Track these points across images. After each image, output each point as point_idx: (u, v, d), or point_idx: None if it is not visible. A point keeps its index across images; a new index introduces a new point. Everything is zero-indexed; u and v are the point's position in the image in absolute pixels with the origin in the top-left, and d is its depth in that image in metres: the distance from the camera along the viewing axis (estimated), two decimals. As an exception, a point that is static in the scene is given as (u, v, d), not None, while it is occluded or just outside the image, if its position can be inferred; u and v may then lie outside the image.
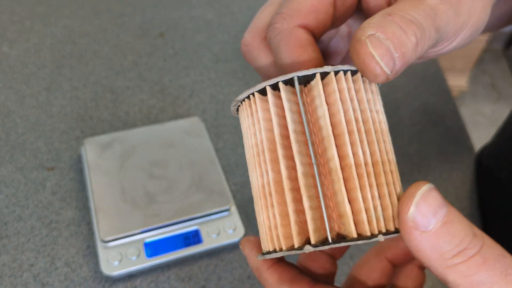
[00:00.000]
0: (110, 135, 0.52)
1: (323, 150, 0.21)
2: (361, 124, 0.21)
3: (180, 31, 0.70)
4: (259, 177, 0.22)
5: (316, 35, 0.25)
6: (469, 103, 1.92)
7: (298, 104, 0.21)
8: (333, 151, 0.20)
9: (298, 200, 0.21)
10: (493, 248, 0.19)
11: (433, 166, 0.56)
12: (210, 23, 0.72)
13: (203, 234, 0.46)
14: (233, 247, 0.46)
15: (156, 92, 0.61)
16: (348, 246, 0.26)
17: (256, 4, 0.75)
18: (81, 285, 0.43)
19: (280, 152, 0.21)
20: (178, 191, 0.47)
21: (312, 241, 0.20)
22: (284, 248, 0.21)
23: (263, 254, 0.23)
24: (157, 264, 0.44)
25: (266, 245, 0.22)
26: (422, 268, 0.29)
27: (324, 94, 0.21)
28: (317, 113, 0.21)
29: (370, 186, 0.20)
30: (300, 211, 0.21)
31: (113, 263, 0.43)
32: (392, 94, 0.64)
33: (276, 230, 0.21)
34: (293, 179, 0.21)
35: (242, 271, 0.45)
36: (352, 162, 0.20)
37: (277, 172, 0.21)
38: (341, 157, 0.20)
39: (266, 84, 0.22)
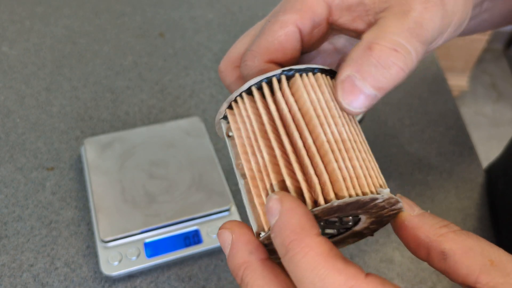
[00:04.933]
0: (110, 135, 0.52)
1: (313, 128, 0.23)
2: (326, 111, 0.23)
3: (180, 31, 0.70)
4: (253, 164, 0.24)
5: (287, 64, 0.27)
6: (469, 103, 1.92)
7: (270, 102, 0.24)
8: (320, 129, 0.23)
9: (292, 174, 0.22)
10: (472, 233, 0.22)
11: (433, 166, 0.56)
12: (210, 23, 0.72)
13: (203, 234, 0.46)
14: (233, 247, 0.46)
15: (156, 92, 0.61)
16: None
17: (256, 4, 0.75)
18: (81, 285, 0.43)
19: (271, 136, 0.23)
20: (178, 191, 0.47)
21: (321, 201, 0.21)
22: None
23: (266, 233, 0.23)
24: (157, 264, 0.44)
25: (265, 226, 0.23)
26: None
27: (291, 91, 0.24)
28: (301, 101, 0.24)
29: (343, 159, 0.22)
30: (295, 180, 0.22)
31: (113, 263, 0.43)
32: (392, 94, 0.64)
33: None
34: (285, 159, 0.23)
35: (242, 271, 0.45)
36: (324, 140, 0.23)
37: (271, 153, 0.23)
38: (325, 133, 0.23)
39: (250, 84, 0.25)
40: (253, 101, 0.25)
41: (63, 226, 0.47)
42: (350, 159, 0.23)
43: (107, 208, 0.45)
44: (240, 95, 0.25)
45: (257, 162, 0.24)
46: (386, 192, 0.22)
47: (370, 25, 0.25)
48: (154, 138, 0.52)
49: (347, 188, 0.22)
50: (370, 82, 0.23)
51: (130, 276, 0.44)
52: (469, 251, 0.21)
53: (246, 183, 0.24)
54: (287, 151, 0.23)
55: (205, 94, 0.61)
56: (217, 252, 0.46)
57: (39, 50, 0.65)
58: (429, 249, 0.22)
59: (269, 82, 0.25)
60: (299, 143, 0.23)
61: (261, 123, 0.24)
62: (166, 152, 0.51)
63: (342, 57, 0.33)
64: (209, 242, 0.45)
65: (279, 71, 0.24)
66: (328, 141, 0.23)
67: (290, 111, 0.24)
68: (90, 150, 0.50)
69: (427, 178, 0.55)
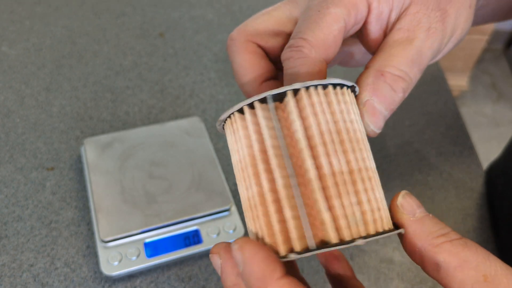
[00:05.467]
0: (110, 135, 0.52)
1: (301, 162, 0.22)
2: (334, 135, 0.22)
3: (180, 31, 0.70)
4: (245, 191, 0.23)
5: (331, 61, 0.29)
6: (469, 103, 1.92)
7: (273, 120, 0.22)
8: (309, 162, 0.21)
9: (280, 211, 0.22)
10: (471, 241, 0.21)
11: (433, 166, 0.56)
12: (210, 23, 0.72)
13: (203, 234, 0.45)
14: (233, 247, 0.46)
15: (156, 92, 0.61)
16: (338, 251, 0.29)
17: (256, 4, 0.75)
18: (81, 285, 0.43)
19: (260, 166, 0.22)
20: (178, 191, 0.47)
21: (296, 249, 0.21)
22: None
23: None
24: (157, 264, 0.44)
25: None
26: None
27: (298, 109, 0.22)
28: (292, 127, 0.22)
29: (348, 193, 0.21)
30: (283, 221, 0.22)
31: (113, 263, 0.43)
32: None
33: (263, 240, 0.22)
34: (275, 191, 0.22)
35: (242, 271, 0.45)
36: (329, 172, 0.21)
37: (259, 185, 0.22)
38: (318, 167, 0.22)
39: (243, 104, 0.23)
40: (256, 115, 0.23)
41: (63, 226, 0.47)
42: (356, 193, 0.22)
43: (107, 208, 0.45)
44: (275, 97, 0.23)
45: (246, 189, 0.23)
46: (361, 242, 0.21)
47: (383, 34, 0.28)
48: (154, 138, 0.52)
49: (337, 230, 0.21)
50: (386, 104, 0.26)
51: (130, 276, 0.44)
52: (463, 264, 0.20)
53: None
54: (277, 186, 0.22)
55: (205, 94, 0.61)
56: (217, 252, 0.46)
57: (39, 50, 0.65)
58: (423, 258, 0.22)
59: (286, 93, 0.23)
60: (311, 173, 0.21)
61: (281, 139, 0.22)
62: (166, 152, 0.51)
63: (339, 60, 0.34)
64: (209, 242, 0.45)
65: (326, 81, 0.23)
66: (333, 173, 0.22)
67: (295, 133, 0.22)
68: (90, 150, 0.50)
69: (427, 178, 0.55)
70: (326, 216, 0.21)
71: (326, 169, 0.21)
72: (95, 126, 0.56)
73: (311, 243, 0.21)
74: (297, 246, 0.21)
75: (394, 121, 0.61)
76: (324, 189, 0.21)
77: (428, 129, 0.60)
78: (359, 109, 0.25)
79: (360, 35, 0.29)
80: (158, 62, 0.65)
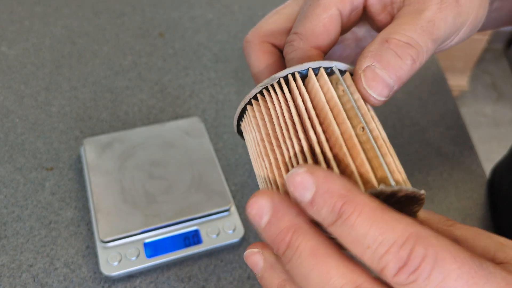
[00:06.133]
0: (110, 135, 0.52)
1: (339, 123, 0.23)
2: (362, 110, 0.24)
3: (180, 31, 0.70)
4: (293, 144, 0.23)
5: (325, 52, 0.28)
6: (469, 103, 1.92)
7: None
8: (349, 123, 0.22)
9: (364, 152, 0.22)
10: None
11: (433, 166, 0.56)
12: (210, 23, 0.72)
13: (203, 235, 0.45)
14: (233, 248, 0.46)
15: (156, 92, 0.61)
16: None
17: (256, 3, 0.75)
18: (80, 286, 0.43)
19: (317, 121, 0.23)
20: (178, 191, 0.47)
21: (392, 181, 0.21)
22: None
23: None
24: (156, 265, 0.44)
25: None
26: None
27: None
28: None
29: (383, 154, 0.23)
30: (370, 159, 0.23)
31: (112, 263, 0.43)
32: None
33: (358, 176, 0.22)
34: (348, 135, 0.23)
35: (242, 272, 0.45)
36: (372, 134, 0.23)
37: (344, 129, 0.23)
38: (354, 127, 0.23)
39: (272, 81, 0.25)
40: (282, 91, 0.25)
41: (62, 227, 0.47)
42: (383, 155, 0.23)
43: (106, 208, 0.45)
44: (278, 81, 0.25)
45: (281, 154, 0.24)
46: (421, 191, 0.22)
47: (393, 17, 0.27)
48: (154, 138, 0.52)
49: (392, 173, 0.22)
50: (390, 71, 0.24)
51: (130, 277, 0.44)
52: (480, 235, 0.22)
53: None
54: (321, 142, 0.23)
55: (205, 94, 0.61)
56: (216, 252, 0.46)
57: (38, 50, 0.65)
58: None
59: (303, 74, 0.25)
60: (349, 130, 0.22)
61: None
62: (165, 152, 0.50)
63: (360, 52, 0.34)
64: (209, 242, 0.45)
65: (320, 63, 0.24)
66: (375, 137, 0.23)
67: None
68: (90, 150, 0.50)
69: (427, 178, 0.55)
70: (388, 159, 0.22)
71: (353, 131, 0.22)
72: (95, 126, 0.56)
73: (391, 181, 0.21)
74: (393, 179, 0.22)
75: (394, 121, 0.60)
76: (361, 143, 0.22)
77: (428, 129, 0.60)
78: (356, 78, 0.24)
79: (368, 19, 0.29)
80: (157, 62, 0.65)
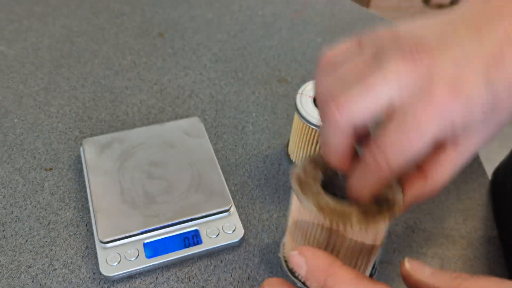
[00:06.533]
0: (109, 135, 0.52)
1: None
2: None
3: (180, 30, 0.70)
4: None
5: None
6: (468, 103, 1.92)
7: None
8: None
9: None
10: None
11: (434, 166, 0.56)
12: (210, 22, 0.72)
13: (203, 235, 0.45)
14: (233, 248, 0.46)
15: (155, 92, 0.61)
16: None
17: (256, 3, 0.75)
18: (79, 287, 0.43)
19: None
20: (178, 192, 0.47)
21: None
22: None
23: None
24: (156, 265, 0.44)
25: None
26: None
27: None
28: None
29: None
30: None
31: (112, 264, 0.43)
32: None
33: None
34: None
35: (241, 272, 0.45)
36: None
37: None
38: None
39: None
40: None
41: (61, 227, 0.47)
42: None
43: (106, 208, 0.45)
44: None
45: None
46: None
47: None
48: (153, 139, 0.52)
49: None
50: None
51: (130, 277, 0.44)
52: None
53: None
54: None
55: (205, 94, 0.61)
56: (216, 253, 0.46)
57: (37, 49, 0.65)
58: None
59: None
60: None
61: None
62: (165, 153, 0.50)
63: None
64: (208, 242, 0.45)
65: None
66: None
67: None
68: (89, 151, 0.50)
69: (427, 178, 0.55)
70: None
71: None
72: (94, 126, 0.56)
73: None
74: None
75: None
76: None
77: (429, 129, 0.60)
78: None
79: None
80: (157, 62, 0.65)
